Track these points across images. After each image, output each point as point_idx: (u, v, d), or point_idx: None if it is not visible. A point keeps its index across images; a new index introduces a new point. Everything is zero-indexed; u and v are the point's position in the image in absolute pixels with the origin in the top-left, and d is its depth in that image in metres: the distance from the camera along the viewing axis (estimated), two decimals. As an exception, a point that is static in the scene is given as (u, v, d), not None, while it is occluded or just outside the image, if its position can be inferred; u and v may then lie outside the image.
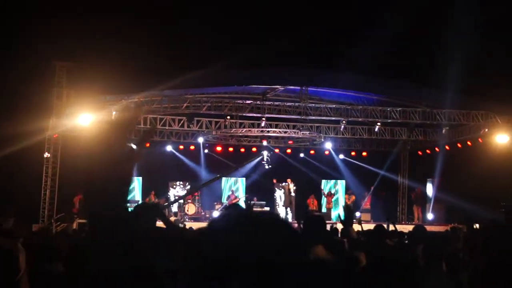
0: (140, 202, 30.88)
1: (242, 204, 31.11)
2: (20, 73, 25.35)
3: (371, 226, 17.34)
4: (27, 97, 25.38)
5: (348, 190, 34.51)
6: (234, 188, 34.37)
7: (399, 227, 20.75)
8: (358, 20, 31.64)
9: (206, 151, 34.09)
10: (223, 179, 34.20)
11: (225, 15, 31.02)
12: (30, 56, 25.18)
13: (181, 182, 33.16)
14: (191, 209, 30.10)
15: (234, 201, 30.65)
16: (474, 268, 5.71)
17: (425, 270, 6.40)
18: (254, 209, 28.07)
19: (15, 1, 27.38)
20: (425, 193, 32.34)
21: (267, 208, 30.99)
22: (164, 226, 6.68)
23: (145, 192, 32.21)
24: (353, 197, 32.63)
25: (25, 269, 4.05)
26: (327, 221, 9.96)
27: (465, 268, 7.28)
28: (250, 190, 33.90)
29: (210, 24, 31.29)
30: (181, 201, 31.42)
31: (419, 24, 28.91)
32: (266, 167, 31.52)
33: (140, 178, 32.71)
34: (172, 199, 31.96)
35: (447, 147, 31.53)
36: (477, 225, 18.96)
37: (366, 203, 32.04)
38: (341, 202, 33.72)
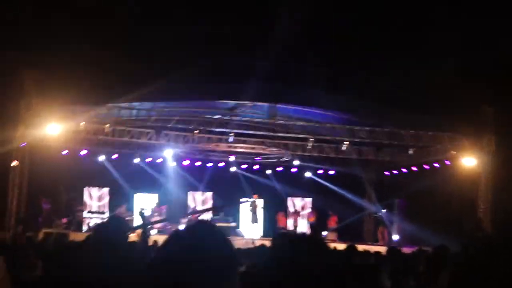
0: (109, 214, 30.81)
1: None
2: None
3: (337, 245, 17.34)
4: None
5: (310, 209, 34.42)
6: (201, 199, 34.48)
7: (366, 248, 20.77)
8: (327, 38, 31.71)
9: (174, 164, 33.96)
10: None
11: (198, 24, 30.89)
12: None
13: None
14: (157, 222, 29.77)
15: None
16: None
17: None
18: (219, 224, 28.06)
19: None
20: (390, 214, 32.32)
21: (233, 224, 30.89)
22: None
23: (111, 204, 32.04)
24: (314, 216, 32.58)
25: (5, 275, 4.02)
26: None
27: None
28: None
29: (181, 34, 31.13)
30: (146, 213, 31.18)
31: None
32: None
33: (107, 189, 32.62)
34: (146, 214, 31.69)
35: (414, 169, 31.64)
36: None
37: (331, 223, 31.98)
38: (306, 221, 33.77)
